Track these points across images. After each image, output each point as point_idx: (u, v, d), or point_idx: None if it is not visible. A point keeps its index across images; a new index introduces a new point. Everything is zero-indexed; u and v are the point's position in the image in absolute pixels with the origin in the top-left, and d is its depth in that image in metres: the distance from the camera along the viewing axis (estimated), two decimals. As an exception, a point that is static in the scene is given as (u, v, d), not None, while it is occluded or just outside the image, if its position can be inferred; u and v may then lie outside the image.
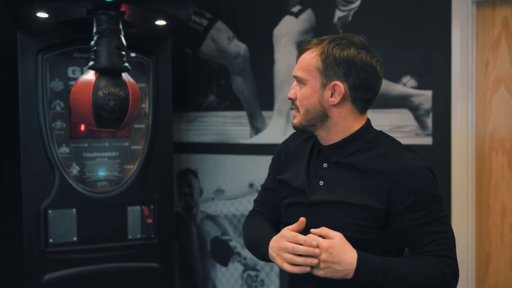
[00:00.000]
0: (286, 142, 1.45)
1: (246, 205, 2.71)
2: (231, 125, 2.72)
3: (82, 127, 2.27)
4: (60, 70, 2.22)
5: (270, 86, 2.61)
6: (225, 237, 2.78)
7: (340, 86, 1.22)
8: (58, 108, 2.23)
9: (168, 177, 2.43)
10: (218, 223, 2.80)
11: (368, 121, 1.31)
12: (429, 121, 2.30)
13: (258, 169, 2.63)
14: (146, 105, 2.34)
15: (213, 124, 2.77)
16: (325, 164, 1.29)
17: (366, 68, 1.23)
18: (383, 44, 2.30)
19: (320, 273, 1.17)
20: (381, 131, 1.33)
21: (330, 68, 1.22)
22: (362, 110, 1.28)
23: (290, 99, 1.30)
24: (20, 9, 1.85)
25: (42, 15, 1.86)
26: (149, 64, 2.33)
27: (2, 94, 2.48)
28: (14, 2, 1.83)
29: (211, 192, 2.79)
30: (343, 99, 1.24)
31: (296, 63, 1.30)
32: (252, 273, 2.71)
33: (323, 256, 1.15)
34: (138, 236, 2.34)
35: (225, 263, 2.78)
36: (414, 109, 2.32)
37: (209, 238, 2.82)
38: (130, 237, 2.33)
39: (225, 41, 2.71)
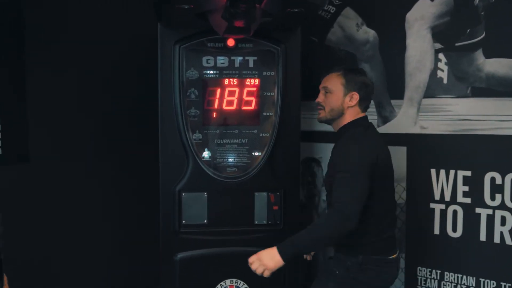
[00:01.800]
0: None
1: (370, 196, 2.63)
2: (357, 114, 2.65)
3: (214, 115, 2.36)
4: (195, 60, 2.31)
5: (401, 73, 2.50)
6: (348, 228, 2.73)
7: (356, 95, 1.99)
8: (193, 96, 2.33)
9: (295, 165, 2.44)
10: (341, 213, 2.75)
11: (363, 117, 2.03)
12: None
13: (385, 159, 2.54)
14: (275, 93, 2.37)
15: (338, 113, 2.72)
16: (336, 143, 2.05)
17: (367, 86, 2.02)
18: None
19: (266, 273, 1.91)
20: (361, 125, 2.01)
21: (350, 84, 1.99)
22: (363, 109, 2.03)
23: (318, 102, 2.05)
24: (164, 2, 1.95)
25: (183, 6, 1.95)
26: (279, 53, 2.34)
27: (144, 82, 2.66)
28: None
29: (335, 181, 2.75)
30: (355, 104, 2.00)
31: (324, 78, 2.07)
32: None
33: (254, 264, 1.91)
34: (264, 222, 2.39)
35: (347, 254, 2.73)
36: None
37: (331, 228, 2.78)
38: (256, 222, 2.38)
39: (354, 27, 2.64)
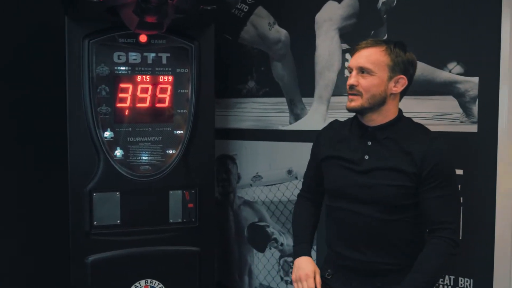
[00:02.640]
0: (320, 133, 1.93)
1: (284, 191, 2.71)
2: (270, 112, 2.72)
3: (126, 112, 2.30)
4: (106, 55, 2.24)
5: (311, 72, 2.59)
6: (262, 223, 2.79)
7: (404, 79, 1.65)
8: (103, 93, 2.26)
9: (209, 163, 2.44)
10: (256, 209, 2.81)
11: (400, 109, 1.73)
12: (475, 108, 2.25)
13: (297, 156, 2.63)
14: (188, 91, 2.36)
15: (252, 111, 2.77)
16: (369, 142, 1.70)
17: (415, 68, 1.69)
18: (428, 30, 2.25)
19: None
20: (409, 118, 1.78)
21: (398, 66, 1.63)
22: (401, 99, 1.72)
23: (352, 85, 1.65)
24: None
25: (91, 0, 1.88)
26: (192, 50, 2.33)
27: (50, 78, 2.52)
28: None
29: (249, 178, 2.80)
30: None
31: (352, 55, 1.69)
32: (289, 259, 2.72)
33: None
34: (179, 220, 2.37)
35: (262, 249, 2.80)
36: (459, 96, 2.27)
37: (246, 223, 2.83)
38: (171, 220, 2.36)
39: (266, 27, 2.69)
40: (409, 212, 1.68)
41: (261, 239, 2.79)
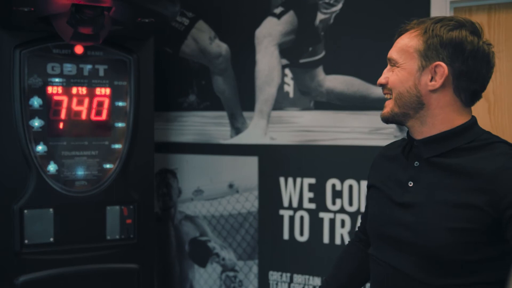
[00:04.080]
0: (378, 153, 1.36)
1: (225, 205, 2.70)
2: (211, 125, 2.71)
3: (61, 125, 2.22)
4: (39, 66, 2.16)
5: (251, 86, 2.61)
6: (203, 238, 2.76)
7: (443, 67, 1.10)
8: (36, 105, 2.17)
9: (149, 177, 2.40)
10: (197, 223, 2.78)
11: (474, 118, 1.16)
12: (408, 123, 2.34)
13: (238, 169, 2.63)
14: (127, 104, 2.31)
15: (193, 124, 2.76)
16: (416, 162, 1.17)
17: (476, 55, 1.10)
18: (363, 47, 2.34)
19: None
20: (490, 132, 1.17)
21: (433, 49, 1.11)
22: (466, 102, 1.14)
23: (380, 84, 1.21)
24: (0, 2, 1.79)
25: (22, 9, 1.81)
26: (131, 62, 2.29)
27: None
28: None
29: (190, 192, 2.77)
30: (444, 86, 1.12)
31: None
32: (231, 274, 2.70)
33: None
34: (117, 236, 2.30)
35: (203, 264, 2.76)
36: (393, 111, 2.36)
37: (188, 238, 2.80)
38: (108, 237, 2.29)
39: (207, 41, 2.70)
40: (476, 275, 1.08)
41: (202, 254, 2.76)
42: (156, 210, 2.81)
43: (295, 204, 2.52)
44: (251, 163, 2.60)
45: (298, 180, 2.51)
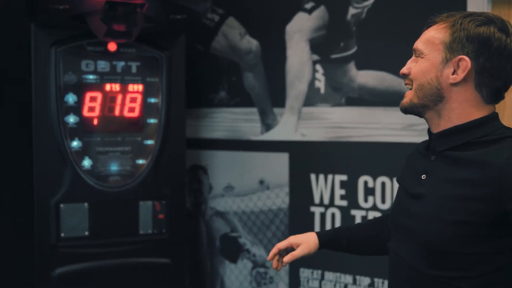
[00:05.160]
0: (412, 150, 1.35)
1: (256, 202, 2.70)
2: (241, 122, 2.71)
3: (95, 121, 2.26)
4: (73, 63, 2.21)
5: (282, 82, 2.60)
6: (234, 234, 2.77)
7: (467, 61, 1.10)
8: (71, 101, 2.21)
9: (180, 173, 2.42)
10: (228, 219, 2.79)
11: (495, 113, 1.15)
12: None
13: (269, 166, 2.63)
14: (159, 100, 2.34)
15: (223, 121, 2.76)
16: (433, 156, 1.17)
17: (503, 52, 1.10)
18: (397, 42, 2.29)
19: None
20: (510, 128, 1.15)
21: (459, 42, 1.11)
22: (488, 99, 1.13)
23: (403, 74, 1.20)
24: (38, 0, 1.84)
25: (58, 7, 1.85)
26: (163, 59, 2.32)
27: (15, 87, 2.46)
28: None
29: (221, 188, 2.78)
30: (465, 80, 1.11)
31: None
32: (261, 270, 2.70)
33: None
34: (150, 231, 2.33)
35: (234, 260, 2.77)
36: (427, 107, 2.31)
37: (218, 234, 2.81)
38: (141, 232, 2.32)
39: (237, 37, 2.70)
40: (471, 268, 1.09)
41: (233, 250, 2.77)
42: (188, 206, 2.83)
43: (326, 201, 2.50)
44: (281, 160, 2.59)
45: (330, 177, 2.49)
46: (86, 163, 2.24)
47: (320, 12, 2.52)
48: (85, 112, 2.23)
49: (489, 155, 1.07)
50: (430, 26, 1.19)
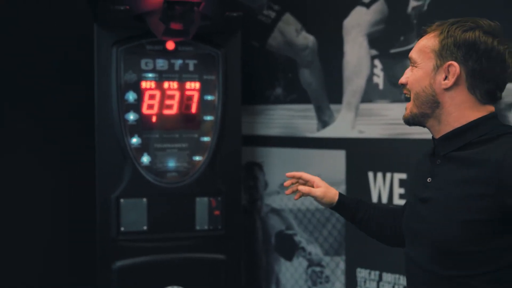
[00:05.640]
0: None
1: (311, 199, 2.65)
2: (298, 118, 2.69)
3: (154, 119, 2.31)
4: (133, 62, 2.27)
5: (339, 79, 2.55)
6: (289, 231, 2.75)
7: (455, 67, 1.14)
8: (131, 99, 2.28)
9: (236, 170, 2.44)
10: (283, 217, 2.78)
11: (494, 114, 1.19)
12: (510, 115, 2.17)
13: (325, 163, 2.59)
14: (215, 97, 2.36)
15: (279, 117, 2.75)
16: (438, 160, 1.20)
17: (490, 54, 1.14)
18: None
19: None
20: (509, 126, 1.19)
21: (447, 49, 1.15)
22: (483, 100, 1.16)
23: (401, 84, 1.24)
24: (99, 1, 1.90)
25: (118, 7, 1.90)
26: (219, 56, 2.34)
27: (79, 85, 2.56)
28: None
29: (276, 185, 2.77)
30: (457, 84, 1.16)
31: None
32: (317, 269, 2.67)
33: None
34: (206, 227, 2.36)
35: (289, 258, 2.76)
36: (494, 103, 2.20)
37: (274, 231, 2.80)
38: (197, 228, 2.35)
39: (293, 33, 2.67)
40: (481, 265, 1.11)
41: (288, 247, 2.76)
42: (243, 202, 2.85)
43: (384, 200, 2.43)
44: (338, 157, 2.54)
45: (388, 175, 2.42)
46: (145, 159, 2.30)
47: (379, 6, 2.44)
48: (144, 110, 2.29)
49: (487, 153, 1.10)
50: (423, 36, 1.23)
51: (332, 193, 1.50)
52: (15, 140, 2.60)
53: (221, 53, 2.34)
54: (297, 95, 2.68)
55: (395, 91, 2.41)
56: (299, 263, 2.72)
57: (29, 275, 2.68)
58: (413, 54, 1.22)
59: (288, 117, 2.73)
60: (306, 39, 2.65)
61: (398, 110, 2.39)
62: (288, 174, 1.52)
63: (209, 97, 2.36)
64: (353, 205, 1.50)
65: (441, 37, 1.17)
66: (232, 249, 2.40)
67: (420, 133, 2.32)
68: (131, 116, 2.27)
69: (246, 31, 2.64)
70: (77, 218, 2.72)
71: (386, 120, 2.43)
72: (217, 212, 2.37)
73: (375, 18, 2.46)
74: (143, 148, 2.29)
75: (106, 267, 2.26)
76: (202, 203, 2.35)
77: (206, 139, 2.36)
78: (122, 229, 2.27)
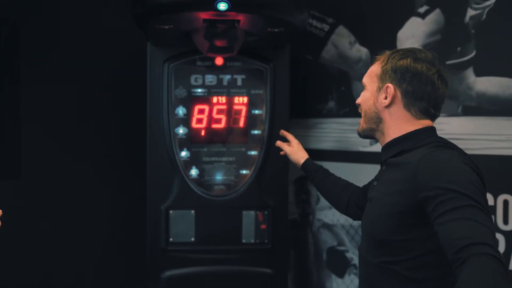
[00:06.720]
0: None
1: (364, 216, 2.59)
2: (350, 132, 2.63)
3: (202, 133, 2.36)
4: (184, 78, 2.33)
5: (393, 92, 2.46)
6: (341, 248, 2.69)
7: (391, 87, 1.36)
8: (181, 114, 2.34)
9: (283, 184, 2.42)
10: (335, 232, 2.72)
11: (429, 127, 1.38)
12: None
13: (378, 179, 2.51)
14: (263, 112, 2.37)
15: (332, 131, 2.71)
16: (384, 166, 1.43)
17: (420, 77, 1.34)
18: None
19: None
20: (440, 137, 1.39)
21: (386, 74, 1.38)
22: (417, 116, 1.36)
23: (357, 104, 1.48)
24: (145, 20, 1.98)
25: (163, 26, 1.97)
26: (267, 71, 2.34)
27: (133, 100, 2.68)
28: (138, 14, 1.97)
29: (328, 200, 2.72)
30: (394, 103, 1.37)
31: None
32: None
33: None
34: (252, 240, 2.37)
35: (341, 275, 2.70)
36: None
37: (325, 247, 2.75)
38: (244, 241, 2.37)
39: (347, 46, 2.63)
40: (405, 253, 1.28)
41: (340, 264, 2.69)
42: (295, 216, 2.82)
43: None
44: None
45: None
46: (194, 172, 2.35)
47: (435, 16, 2.34)
48: (194, 124, 2.35)
49: (410, 157, 1.30)
50: (374, 62, 1.47)
51: (300, 155, 1.91)
52: (75, 156, 2.75)
53: (269, 68, 2.34)
54: (350, 109, 2.63)
55: (451, 104, 2.29)
56: (351, 280, 2.65)
57: (84, 281, 2.82)
58: (364, 79, 1.46)
59: (341, 131, 2.67)
60: (360, 51, 2.59)
61: (455, 124, 2.27)
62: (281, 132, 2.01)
63: (257, 111, 2.37)
64: (313, 171, 1.85)
65: (382, 64, 1.40)
66: (278, 263, 2.39)
67: (478, 148, 2.19)
68: (181, 130, 2.34)
69: (299, 44, 2.63)
70: (130, 227, 2.83)
71: (442, 135, 2.30)
72: (263, 226, 2.37)
73: (430, 29, 2.35)
74: (191, 161, 2.35)
75: (156, 276, 2.33)
76: (248, 217, 2.36)
77: (253, 153, 2.38)
78: (171, 239, 2.34)
